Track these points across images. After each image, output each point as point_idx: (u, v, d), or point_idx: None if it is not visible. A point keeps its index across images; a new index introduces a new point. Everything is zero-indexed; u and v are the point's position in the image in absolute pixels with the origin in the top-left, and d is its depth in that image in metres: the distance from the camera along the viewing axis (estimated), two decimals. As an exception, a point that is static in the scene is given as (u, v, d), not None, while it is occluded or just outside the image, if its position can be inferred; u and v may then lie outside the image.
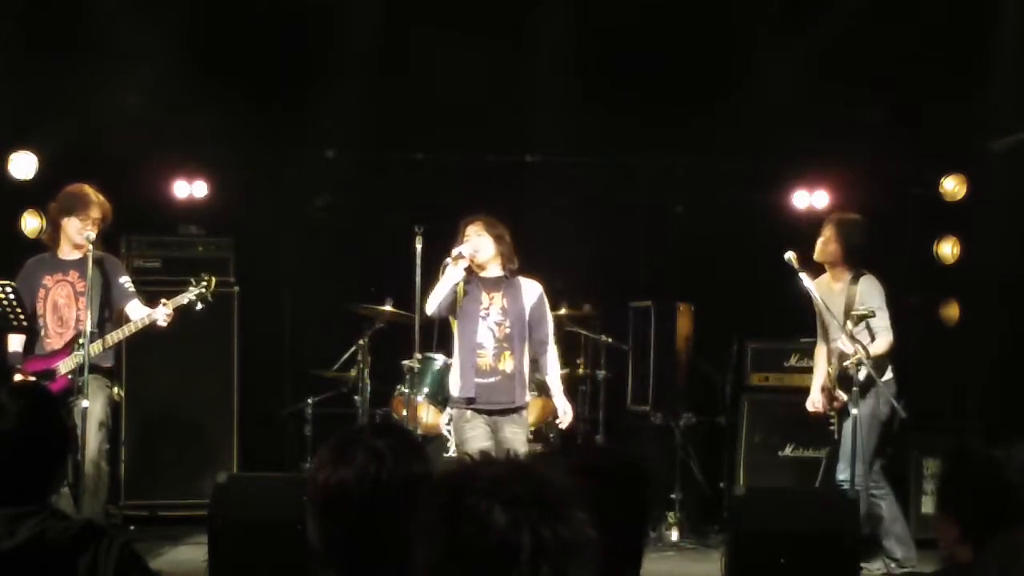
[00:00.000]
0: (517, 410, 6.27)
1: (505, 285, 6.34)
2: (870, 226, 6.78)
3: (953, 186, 8.25)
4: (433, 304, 6.27)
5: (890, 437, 6.68)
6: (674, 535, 7.53)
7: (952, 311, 8.31)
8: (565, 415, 6.47)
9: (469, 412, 6.22)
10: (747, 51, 8.16)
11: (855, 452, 6.24)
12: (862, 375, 6.28)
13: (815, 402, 6.74)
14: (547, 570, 1.58)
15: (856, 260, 6.66)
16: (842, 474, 6.42)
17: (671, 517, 7.61)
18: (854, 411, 6.28)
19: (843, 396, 6.48)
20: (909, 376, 6.81)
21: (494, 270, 6.35)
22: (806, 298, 6.58)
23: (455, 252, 6.22)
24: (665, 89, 8.30)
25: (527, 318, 6.33)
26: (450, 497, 1.62)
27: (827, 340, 6.68)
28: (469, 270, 6.30)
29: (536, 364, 6.55)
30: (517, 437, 6.24)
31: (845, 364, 6.37)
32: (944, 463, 2.60)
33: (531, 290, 6.40)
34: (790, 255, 6.53)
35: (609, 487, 2.35)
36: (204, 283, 6.41)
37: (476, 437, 6.16)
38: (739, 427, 7.95)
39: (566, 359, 8.11)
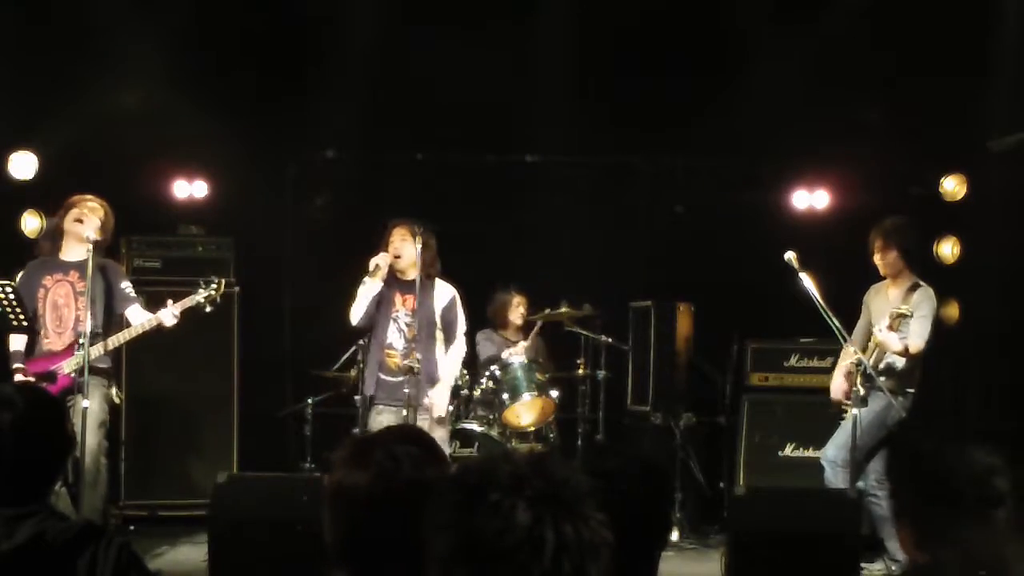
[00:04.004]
0: (424, 405, 6.52)
1: (419, 288, 6.59)
2: (914, 223, 6.80)
3: (953, 186, 8.24)
4: (356, 316, 6.62)
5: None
6: (674, 535, 7.52)
7: (952, 311, 8.30)
8: (436, 407, 6.56)
9: (378, 407, 6.55)
10: (747, 51, 8.15)
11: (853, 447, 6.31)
12: (866, 377, 6.33)
13: (836, 388, 6.76)
14: (569, 567, 1.58)
15: (917, 261, 6.71)
16: (828, 451, 6.54)
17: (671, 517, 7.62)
18: (854, 411, 6.31)
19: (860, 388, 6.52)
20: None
21: (412, 274, 6.64)
22: (806, 298, 6.57)
23: (372, 264, 6.53)
24: (665, 89, 8.30)
25: (437, 320, 6.64)
26: (472, 493, 1.62)
27: (863, 341, 6.67)
28: (389, 272, 6.60)
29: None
30: (425, 425, 6.38)
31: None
32: (895, 468, 2.57)
33: (444, 293, 6.70)
34: (790, 255, 6.53)
35: (631, 494, 2.36)
36: (213, 286, 6.41)
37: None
38: (739, 427, 7.95)
39: (566, 359, 8.14)
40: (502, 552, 1.58)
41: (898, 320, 6.42)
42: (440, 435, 6.52)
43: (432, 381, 6.59)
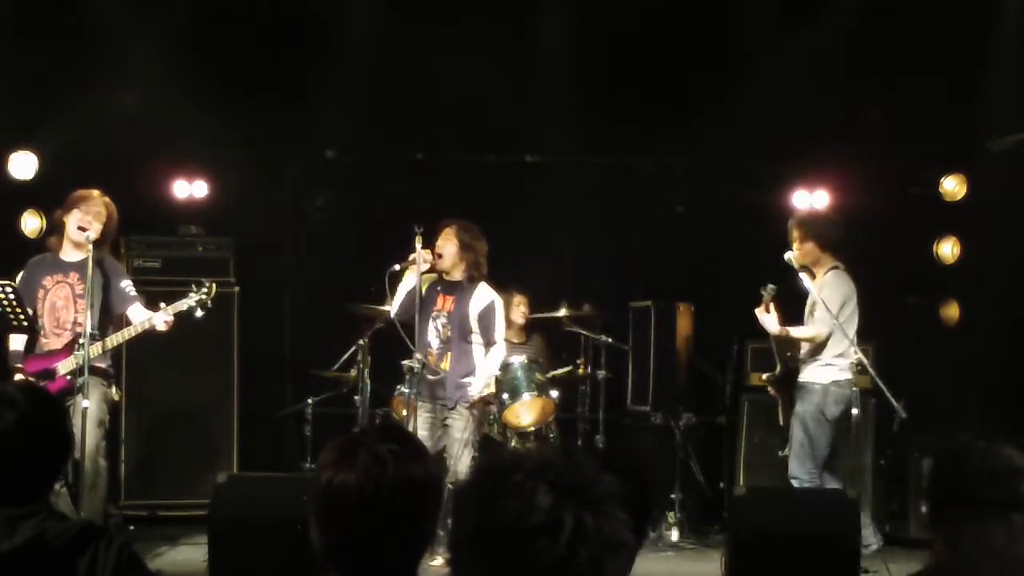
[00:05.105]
0: (455, 406, 6.61)
1: (459, 290, 6.69)
2: (836, 216, 6.79)
3: (953, 186, 8.24)
4: (392, 309, 6.72)
5: (888, 437, 6.66)
6: (674, 535, 7.53)
7: (952, 311, 8.30)
8: (471, 387, 6.63)
9: (418, 404, 6.58)
10: (747, 51, 8.16)
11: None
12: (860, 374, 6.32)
13: None
14: (584, 556, 1.57)
15: (835, 252, 6.63)
16: (793, 471, 6.48)
17: (671, 517, 7.61)
18: (855, 411, 6.31)
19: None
20: (909, 376, 6.80)
21: (455, 275, 6.73)
22: (806, 298, 6.58)
23: (411, 257, 6.55)
24: (665, 89, 8.30)
25: (470, 323, 6.68)
26: (498, 476, 1.62)
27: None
28: (438, 274, 6.67)
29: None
30: (456, 424, 6.59)
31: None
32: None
33: (482, 298, 6.73)
34: (790, 255, 6.53)
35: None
36: (205, 289, 6.33)
37: (419, 425, 6.51)
38: (739, 427, 7.96)
39: (566, 359, 8.14)
40: (520, 534, 1.57)
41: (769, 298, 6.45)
42: (460, 436, 6.57)
43: (461, 384, 6.63)
